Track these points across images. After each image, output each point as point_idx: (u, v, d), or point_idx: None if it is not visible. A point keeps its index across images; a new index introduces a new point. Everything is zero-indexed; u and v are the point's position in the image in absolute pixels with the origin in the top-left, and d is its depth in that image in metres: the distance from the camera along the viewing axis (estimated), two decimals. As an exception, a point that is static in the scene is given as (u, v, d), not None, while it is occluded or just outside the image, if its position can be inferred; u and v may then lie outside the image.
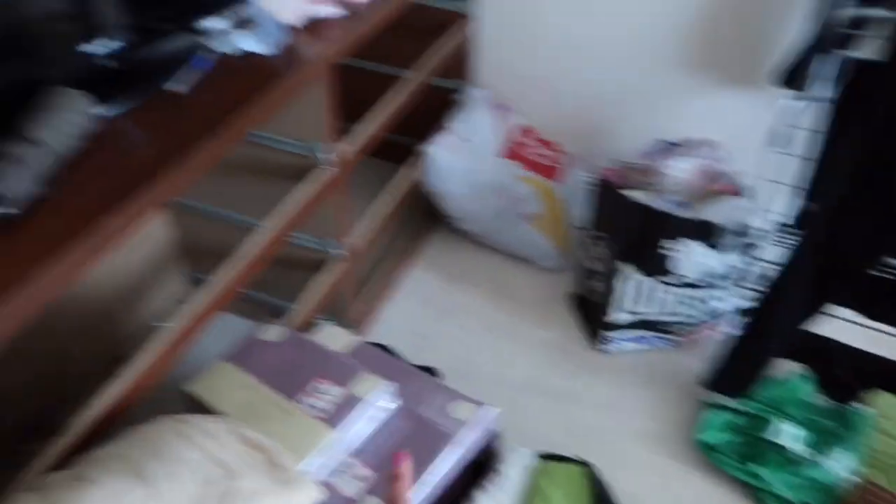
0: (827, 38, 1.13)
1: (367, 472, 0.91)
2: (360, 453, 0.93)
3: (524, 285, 1.86)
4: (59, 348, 1.28)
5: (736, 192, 1.57)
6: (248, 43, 1.10)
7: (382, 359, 1.09)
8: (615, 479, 1.38)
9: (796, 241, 1.24)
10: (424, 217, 1.95)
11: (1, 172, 0.72)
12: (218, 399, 0.94)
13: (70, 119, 0.82)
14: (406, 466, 0.43)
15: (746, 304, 1.57)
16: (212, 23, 1.13)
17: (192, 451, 0.75)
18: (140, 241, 1.50)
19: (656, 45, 1.76)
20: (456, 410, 0.99)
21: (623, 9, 1.74)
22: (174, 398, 0.98)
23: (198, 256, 1.62)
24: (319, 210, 1.35)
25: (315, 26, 1.20)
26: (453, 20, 1.86)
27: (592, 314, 1.70)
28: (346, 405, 0.93)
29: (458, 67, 1.96)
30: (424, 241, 1.96)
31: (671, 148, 1.71)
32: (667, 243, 1.51)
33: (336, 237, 1.39)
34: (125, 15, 0.95)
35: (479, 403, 1.01)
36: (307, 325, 1.24)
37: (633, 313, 1.62)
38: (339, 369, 0.99)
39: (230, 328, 1.12)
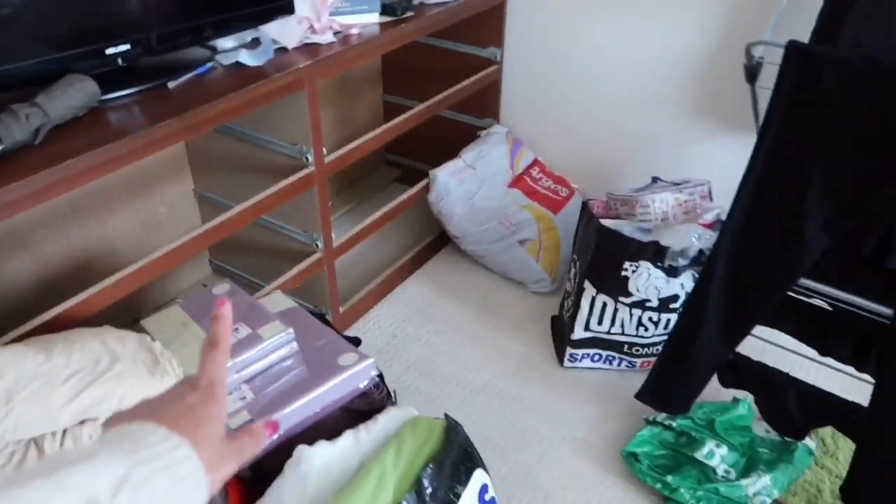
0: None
1: (251, 395, 1.11)
2: (250, 381, 1.13)
3: (511, 305, 1.99)
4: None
5: (710, 225, 1.64)
6: (245, 57, 1.38)
7: (306, 320, 1.29)
8: (535, 476, 1.49)
9: (707, 259, 1.31)
10: (434, 237, 2.14)
11: (6, 123, 1.02)
12: (156, 330, 1.18)
13: (73, 95, 1.11)
14: (226, 308, 0.53)
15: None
16: (223, 41, 1.44)
17: (96, 344, 0.99)
18: (175, 225, 1.82)
19: (664, 93, 1.89)
20: (342, 359, 1.17)
21: (634, 60, 1.90)
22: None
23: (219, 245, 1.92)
24: (304, 207, 1.59)
25: (309, 49, 1.47)
26: (483, 65, 2.09)
27: (561, 332, 1.81)
28: (249, 342, 1.14)
29: (485, 107, 2.18)
30: (429, 258, 2.15)
31: (661, 185, 1.82)
32: (628, 265, 1.61)
33: (319, 233, 1.62)
34: (150, 29, 1.24)
35: (364, 357, 1.18)
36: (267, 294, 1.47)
37: (595, 332, 1.71)
38: (256, 317, 1.20)
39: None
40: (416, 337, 1.87)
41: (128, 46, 1.22)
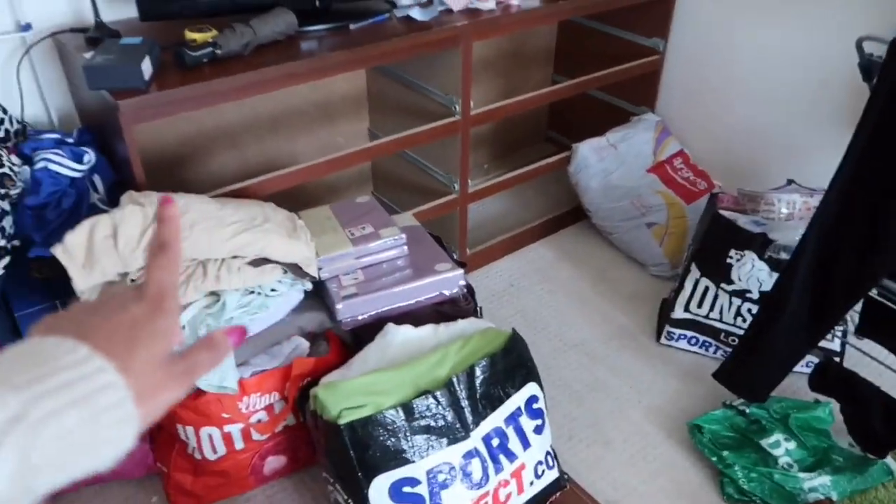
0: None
1: (362, 277, 1.38)
2: (366, 269, 1.40)
3: (627, 281, 2.09)
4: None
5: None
6: (415, 13, 1.64)
7: (423, 236, 1.53)
8: (602, 425, 1.62)
9: (795, 250, 1.35)
10: (569, 209, 2.29)
11: (227, 35, 1.36)
12: (307, 219, 1.48)
13: (277, 23, 1.44)
14: (172, 209, 0.45)
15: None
16: (403, -1, 1.72)
17: (256, 208, 1.30)
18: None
19: (821, 101, 1.90)
20: (439, 266, 1.40)
21: (795, 66, 1.92)
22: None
23: (381, 180, 2.24)
24: (448, 152, 1.84)
25: (471, 13, 1.70)
26: (646, 54, 2.20)
27: (664, 312, 1.89)
28: (369, 237, 1.41)
29: (642, 95, 2.29)
30: (561, 229, 2.31)
31: (794, 188, 1.83)
32: (734, 253, 1.67)
33: (457, 176, 1.86)
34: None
35: (456, 268, 1.40)
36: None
37: (693, 314, 1.77)
38: (381, 223, 1.46)
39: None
40: (530, 290, 2.05)
41: (325, -9, 1.53)
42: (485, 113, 1.81)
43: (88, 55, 1.35)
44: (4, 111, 1.42)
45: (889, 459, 1.47)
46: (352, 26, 1.56)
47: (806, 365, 1.73)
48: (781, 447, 1.49)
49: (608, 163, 2.14)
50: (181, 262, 0.45)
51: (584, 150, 2.12)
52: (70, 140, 1.43)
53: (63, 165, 1.35)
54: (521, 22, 1.74)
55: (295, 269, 1.31)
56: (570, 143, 2.15)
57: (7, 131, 1.42)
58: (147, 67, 1.25)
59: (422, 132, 1.70)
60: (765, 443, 1.49)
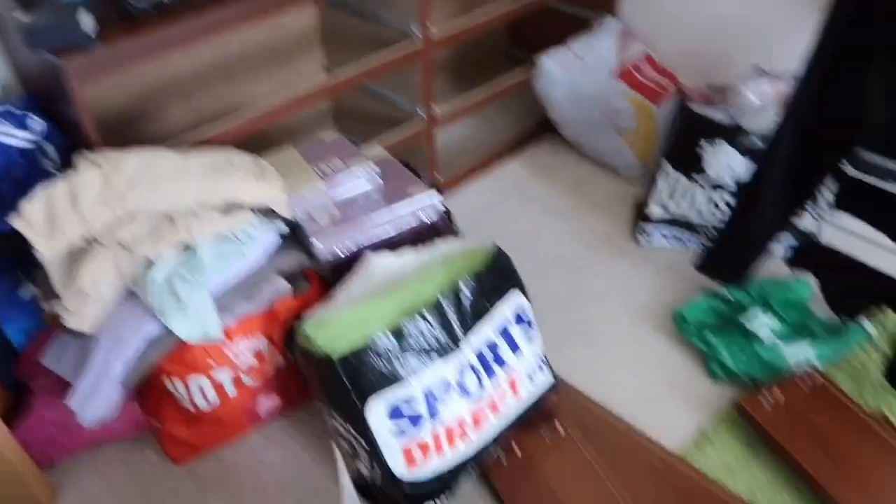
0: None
1: (338, 213, 1.37)
2: (340, 204, 1.39)
3: (601, 188, 2.11)
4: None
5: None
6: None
7: (395, 165, 1.53)
8: (589, 331, 1.65)
9: (775, 131, 1.36)
10: (537, 123, 2.28)
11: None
12: (273, 161, 1.46)
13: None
14: None
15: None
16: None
17: (219, 156, 1.29)
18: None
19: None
20: (411, 188, 1.40)
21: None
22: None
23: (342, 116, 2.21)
24: (411, 80, 1.80)
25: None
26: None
27: (640, 212, 1.91)
28: (339, 171, 1.40)
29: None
30: (531, 144, 2.30)
31: (762, 74, 1.81)
32: (704, 143, 1.67)
33: (421, 103, 1.83)
34: None
35: (430, 189, 1.40)
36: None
37: (669, 210, 1.79)
38: (350, 155, 1.45)
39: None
40: (506, 209, 2.06)
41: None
42: (447, 36, 1.77)
43: (23, 16, 1.29)
44: (-57, 87, 1.37)
45: (865, 324, 1.52)
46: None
47: (784, 251, 1.77)
48: (763, 324, 1.53)
49: (574, 73, 2.11)
50: None
51: (548, 63, 2.09)
52: (14, 110, 1.39)
53: (9, 135, 1.31)
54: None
55: (266, 212, 1.30)
56: (533, 59, 2.11)
57: (-51, 108, 1.37)
58: (88, 22, 1.21)
59: (379, 62, 1.66)
60: (746, 321, 1.53)
